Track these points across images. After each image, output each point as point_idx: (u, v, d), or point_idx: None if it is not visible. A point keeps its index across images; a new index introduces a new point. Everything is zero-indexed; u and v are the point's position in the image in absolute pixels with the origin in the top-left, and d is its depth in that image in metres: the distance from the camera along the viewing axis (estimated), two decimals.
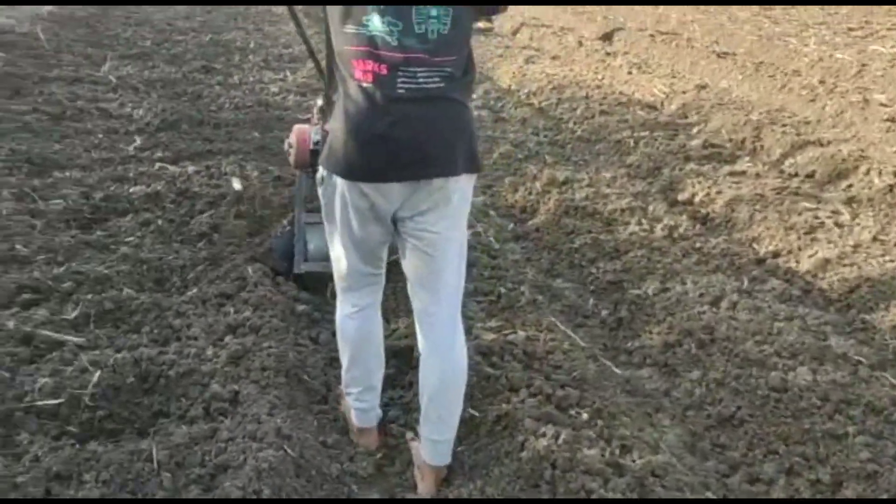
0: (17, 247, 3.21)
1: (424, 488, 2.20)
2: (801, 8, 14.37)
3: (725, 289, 3.13)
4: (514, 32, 9.98)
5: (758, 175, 4.61)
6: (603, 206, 4.02)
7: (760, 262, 3.62)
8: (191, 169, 4.19)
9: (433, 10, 1.78)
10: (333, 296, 2.35)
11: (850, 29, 11.72)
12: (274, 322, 2.69)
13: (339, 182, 1.95)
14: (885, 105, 6.46)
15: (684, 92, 6.73)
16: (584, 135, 5.52)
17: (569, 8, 12.19)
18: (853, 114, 6.29)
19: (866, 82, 7.56)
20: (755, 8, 14.04)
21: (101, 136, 4.78)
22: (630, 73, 7.52)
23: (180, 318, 2.74)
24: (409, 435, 2.40)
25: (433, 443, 2.16)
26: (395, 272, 2.37)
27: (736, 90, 7.10)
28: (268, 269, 3.13)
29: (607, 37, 9.72)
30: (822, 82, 7.34)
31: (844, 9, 14.07)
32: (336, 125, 1.94)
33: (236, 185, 3.93)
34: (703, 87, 6.91)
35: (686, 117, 6.25)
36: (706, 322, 2.92)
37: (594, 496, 1.97)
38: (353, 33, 1.81)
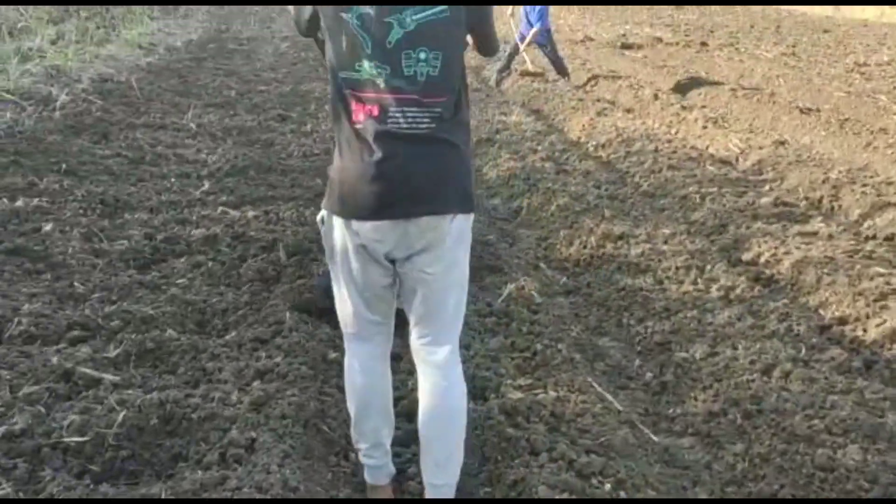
0: (76, 284, 3.35)
1: None
2: None
3: (779, 356, 2.96)
4: (586, 85, 9.94)
5: (830, 236, 4.38)
6: (657, 263, 3.90)
7: (824, 328, 3.41)
8: (250, 213, 4.31)
9: (422, 54, 1.87)
10: None
11: None
12: (303, 369, 2.69)
13: (337, 222, 2.00)
14: None
15: (761, 148, 6.52)
16: (649, 189, 5.40)
17: (648, 61, 12.10)
18: None
19: None
20: (849, 63, 13.63)
21: (173, 179, 4.98)
22: (705, 127, 7.35)
23: (213, 360, 2.78)
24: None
25: (433, 487, 2.14)
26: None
27: (817, 147, 6.84)
28: (306, 314, 3.16)
29: (683, 89, 9.56)
30: None
31: None
32: (334, 166, 2.01)
33: (292, 230, 4.01)
34: (782, 143, 6.68)
35: (761, 174, 6.05)
36: (754, 391, 2.76)
37: None
38: (347, 78, 1.90)
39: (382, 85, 1.87)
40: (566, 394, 2.64)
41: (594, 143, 6.65)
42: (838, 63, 13.70)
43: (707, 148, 6.76)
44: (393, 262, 2.01)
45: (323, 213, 2.05)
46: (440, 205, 1.94)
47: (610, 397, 2.77)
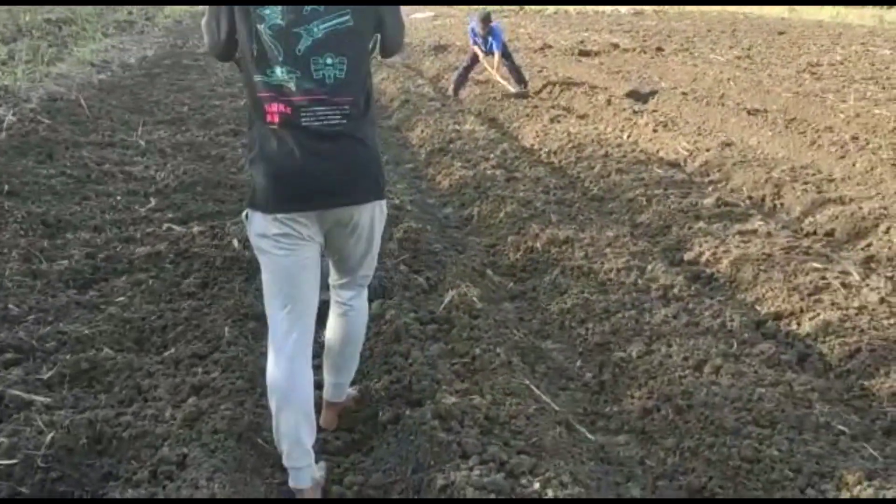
0: (10, 306, 3.31)
1: (325, 420, 2.65)
2: (849, 63, 14.18)
3: (711, 352, 3.01)
4: (542, 91, 10.01)
5: (769, 234, 4.47)
6: (600, 265, 3.95)
7: (759, 324, 3.48)
8: (196, 229, 4.29)
9: (329, 59, 2.09)
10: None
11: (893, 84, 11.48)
12: (238, 383, 2.69)
13: (259, 217, 2.17)
14: None
15: (708, 150, 6.64)
16: (598, 193, 5.48)
17: (604, 67, 12.25)
18: (883, 171, 6.11)
19: None
20: (801, 64, 13.91)
21: (119, 197, 4.94)
22: (655, 131, 7.46)
23: (149, 378, 2.77)
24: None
25: (333, 385, 2.62)
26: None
27: (763, 147, 6.98)
28: (248, 328, 3.16)
29: (636, 94, 9.69)
30: (854, 139, 7.17)
31: (894, 66, 13.82)
32: (253, 167, 2.17)
33: (236, 244, 4.00)
34: (729, 144, 6.80)
35: (707, 175, 6.16)
36: (686, 387, 2.81)
37: None
38: (261, 81, 2.09)
39: (294, 88, 2.07)
40: (501, 397, 2.66)
41: (546, 149, 6.73)
42: (791, 64, 13.98)
43: (657, 151, 6.86)
44: (317, 245, 2.24)
45: (245, 211, 2.22)
46: (354, 196, 2.19)
47: (547, 398, 2.80)
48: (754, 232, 4.52)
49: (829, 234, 4.80)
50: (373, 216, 2.27)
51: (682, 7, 35.78)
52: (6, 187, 4.88)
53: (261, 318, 3.31)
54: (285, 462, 2.29)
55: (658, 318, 3.37)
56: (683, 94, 9.49)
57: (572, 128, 7.42)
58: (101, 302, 3.44)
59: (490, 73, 9.96)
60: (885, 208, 4.92)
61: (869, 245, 4.52)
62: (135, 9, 18.88)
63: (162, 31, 16.07)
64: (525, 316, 3.71)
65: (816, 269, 3.89)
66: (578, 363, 3.26)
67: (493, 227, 4.79)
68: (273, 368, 2.24)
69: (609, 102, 8.80)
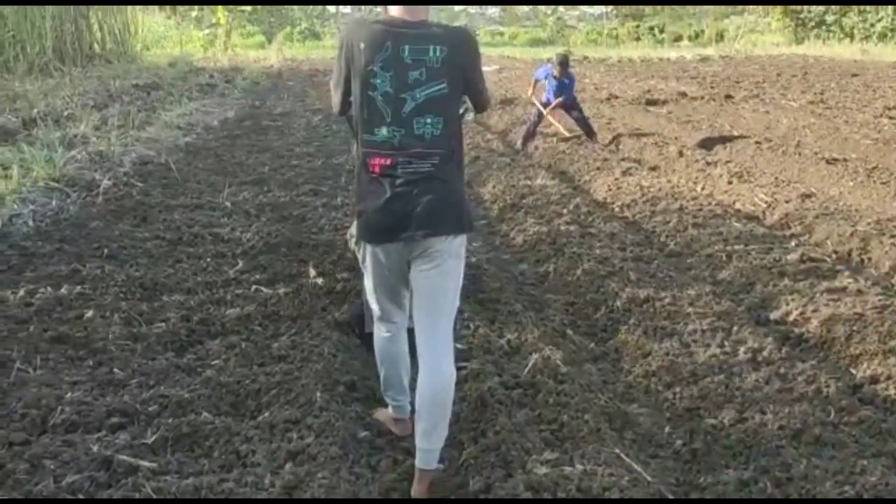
0: (115, 371, 3.48)
1: (417, 489, 2.72)
2: None
3: (808, 420, 2.94)
4: (612, 143, 10.04)
5: (859, 292, 4.36)
6: (683, 326, 3.91)
7: (856, 388, 3.38)
8: (281, 291, 4.43)
9: (428, 119, 2.55)
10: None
11: None
12: (332, 450, 2.75)
13: (365, 247, 2.81)
14: None
15: (787, 201, 6.53)
16: (675, 249, 5.43)
17: (673, 117, 12.22)
18: None
19: None
20: (878, 108, 13.56)
21: (209, 259, 5.14)
22: (730, 182, 7.39)
23: (247, 443, 2.86)
24: None
25: (424, 451, 2.69)
26: None
27: (845, 198, 6.82)
28: (338, 392, 3.25)
29: (708, 144, 9.62)
30: None
31: None
32: (358, 206, 2.71)
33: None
34: (809, 195, 6.68)
35: (788, 228, 6.05)
36: (784, 458, 2.74)
37: None
38: (367, 139, 2.58)
39: (397, 143, 2.54)
40: (593, 467, 2.65)
41: (619, 203, 6.72)
42: (867, 108, 13.65)
43: (733, 203, 6.78)
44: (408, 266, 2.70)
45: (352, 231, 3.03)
46: (436, 228, 2.59)
47: (639, 468, 2.78)
48: (843, 290, 4.41)
49: None
50: (454, 249, 2.66)
51: (749, 51, 35.42)
52: (105, 251, 5.15)
53: (352, 386, 3.42)
54: (390, 401, 3.09)
55: (749, 382, 3.31)
56: (757, 143, 9.39)
57: (644, 181, 7.41)
58: (197, 365, 3.58)
59: (552, 123, 10.08)
60: None
61: None
62: (216, 73, 19.82)
63: (241, 92, 16.74)
64: (608, 378, 3.69)
65: None
66: (667, 429, 3.22)
67: (570, 284, 4.80)
68: (377, 337, 2.98)
69: (681, 154, 8.76)
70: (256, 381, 3.34)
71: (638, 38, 54.84)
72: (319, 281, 4.41)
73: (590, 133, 9.97)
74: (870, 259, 5.23)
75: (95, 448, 2.80)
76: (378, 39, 2.53)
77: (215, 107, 13.95)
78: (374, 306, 2.92)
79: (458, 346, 3.72)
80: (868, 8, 51.42)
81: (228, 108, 13.71)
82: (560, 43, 54.33)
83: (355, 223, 2.85)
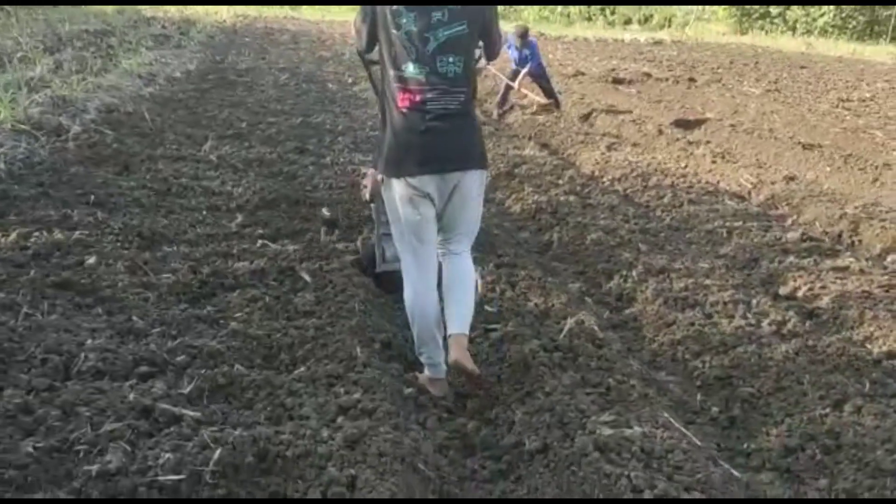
0: (134, 318, 3.31)
1: (455, 354, 2.87)
2: (879, 100, 14.22)
3: (848, 391, 3.00)
4: (588, 119, 10.04)
5: (862, 271, 4.47)
6: (704, 297, 3.94)
7: (877, 363, 3.46)
8: (291, 247, 4.29)
9: (451, 58, 2.72)
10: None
11: None
12: (385, 406, 2.67)
13: (394, 182, 2.84)
14: None
15: (773, 183, 6.65)
16: (674, 223, 5.48)
17: (644, 96, 12.32)
18: None
19: None
20: (832, 99, 13.94)
21: (204, 212, 4.95)
22: (714, 162, 7.49)
23: (292, 396, 2.75)
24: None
25: (456, 315, 2.93)
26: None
27: (826, 182, 6.97)
28: (375, 349, 3.17)
29: (684, 125, 9.73)
30: None
31: None
32: (386, 141, 2.83)
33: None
34: (792, 178, 6.81)
35: (776, 209, 6.16)
36: (829, 426, 2.79)
37: None
38: (395, 75, 2.74)
39: (423, 79, 2.72)
40: (651, 429, 2.64)
41: (609, 177, 6.74)
42: (821, 99, 14.01)
43: (718, 183, 6.87)
44: (433, 203, 2.85)
45: (380, 177, 2.91)
46: (466, 163, 2.84)
47: (689, 433, 2.78)
48: (846, 269, 4.52)
49: None
50: (478, 182, 2.91)
51: (700, 38, 36.05)
52: (92, 198, 4.90)
53: (388, 344, 3.34)
54: (425, 360, 3.03)
55: (779, 353, 3.35)
56: (732, 126, 9.54)
57: (630, 156, 7.46)
58: (219, 317, 3.43)
59: (526, 94, 10.15)
60: None
61: None
62: (168, 23, 19.11)
63: (198, 45, 16.15)
64: (632, 346, 3.69)
65: None
66: (699, 397, 3.24)
67: (578, 253, 4.79)
68: (409, 296, 2.99)
69: (660, 132, 8.84)
70: (287, 334, 3.23)
71: (589, 18, 55.44)
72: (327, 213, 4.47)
73: (557, 103, 10.09)
74: (860, 241, 5.36)
75: (131, 396, 2.66)
76: None
77: (173, 58, 13.43)
78: (405, 260, 2.99)
79: (489, 308, 3.68)
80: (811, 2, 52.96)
81: (187, 61, 13.21)
82: (513, 18, 54.49)
83: (381, 163, 2.90)
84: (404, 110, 2.76)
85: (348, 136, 7.66)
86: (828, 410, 2.90)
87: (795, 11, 54.87)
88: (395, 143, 2.80)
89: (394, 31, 2.72)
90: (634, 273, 4.30)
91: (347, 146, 7.21)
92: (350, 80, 12.30)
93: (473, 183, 2.89)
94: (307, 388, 2.81)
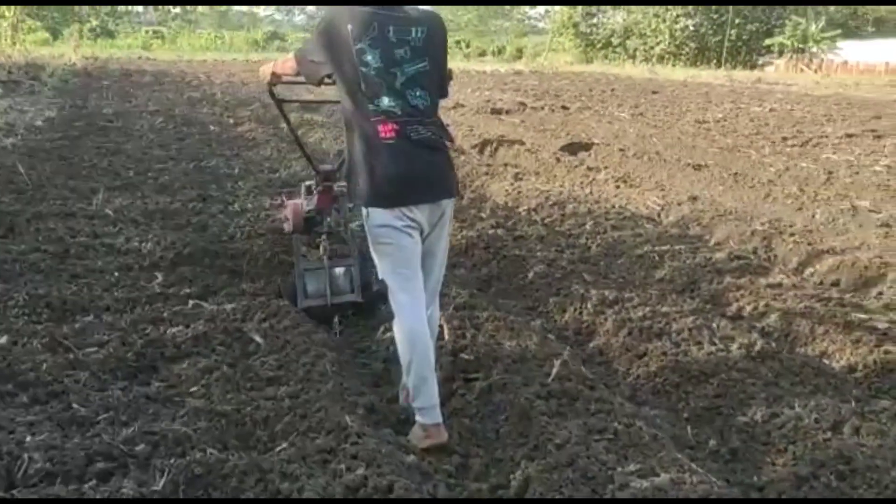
0: (74, 405, 2.88)
1: (435, 441, 2.86)
2: (731, 119, 15.15)
3: (842, 412, 3.02)
4: (482, 150, 10.06)
5: (795, 286, 4.62)
6: (667, 325, 3.92)
7: (857, 382, 3.51)
8: (228, 306, 3.93)
9: (418, 91, 2.80)
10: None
11: (785, 138, 12.40)
12: (401, 481, 2.42)
13: (380, 212, 2.80)
14: (873, 211, 6.71)
15: (679, 204, 6.86)
16: (605, 251, 5.48)
17: (528, 125, 12.55)
18: (845, 221, 6.50)
19: (839, 189, 7.89)
20: (690, 121, 14.69)
21: (116, 273, 4.49)
22: (618, 186, 7.66)
23: (287, 480, 2.44)
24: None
25: (431, 408, 2.88)
26: None
27: (725, 201, 7.25)
28: (359, 415, 2.90)
29: (573, 150, 9.94)
30: (801, 191, 7.62)
31: (772, 121, 14.93)
32: (369, 173, 2.77)
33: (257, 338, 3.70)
34: (695, 198, 7.06)
35: (688, 229, 6.33)
36: (836, 450, 2.78)
37: None
38: (372, 109, 2.76)
39: (399, 111, 2.77)
40: (677, 475, 2.52)
41: (525, 207, 6.71)
42: (680, 121, 14.78)
43: (627, 206, 7.00)
44: (420, 232, 2.87)
45: (365, 211, 2.83)
46: (448, 191, 2.92)
47: (703, 471, 2.69)
48: (780, 285, 4.65)
49: (836, 284, 5.01)
50: (450, 209, 2.96)
51: (555, 67, 37.63)
52: None
53: (372, 408, 3.08)
54: (416, 404, 2.87)
55: (762, 377, 3.35)
56: (620, 150, 9.83)
57: (538, 185, 7.49)
58: (172, 394, 3.05)
59: None
60: (880, 257, 5.21)
61: (880, 294, 4.76)
62: (14, 69, 17.78)
63: (52, 90, 15.12)
64: (608, 382, 3.60)
65: (864, 320, 4.03)
66: (690, 430, 3.17)
67: (524, 288, 4.68)
68: (405, 332, 2.88)
69: (558, 160, 8.98)
70: (260, 407, 2.90)
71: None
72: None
73: (450, 137, 9.99)
74: (776, 256, 5.58)
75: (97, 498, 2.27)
76: (366, 21, 2.76)
77: (29, 105, 12.48)
78: (395, 292, 2.89)
79: (465, 355, 3.49)
80: (648, 32, 56.76)
81: (45, 108, 12.33)
82: None
83: (367, 197, 2.81)
84: (389, 141, 2.76)
85: (249, 181, 7.26)
86: (829, 434, 2.89)
87: (634, 41, 58.69)
88: (384, 175, 2.77)
89: (362, 69, 2.77)
90: (589, 305, 4.23)
91: (251, 191, 6.82)
92: (231, 121, 11.80)
93: (449, 211, 2.97)
94: (301, 469, 2.50)
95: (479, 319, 3.86)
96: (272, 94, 3.69)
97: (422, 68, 2.83)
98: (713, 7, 57.47)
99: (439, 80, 2.93)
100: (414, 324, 2.87)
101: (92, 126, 10.38)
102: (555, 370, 3.24)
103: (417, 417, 2.90)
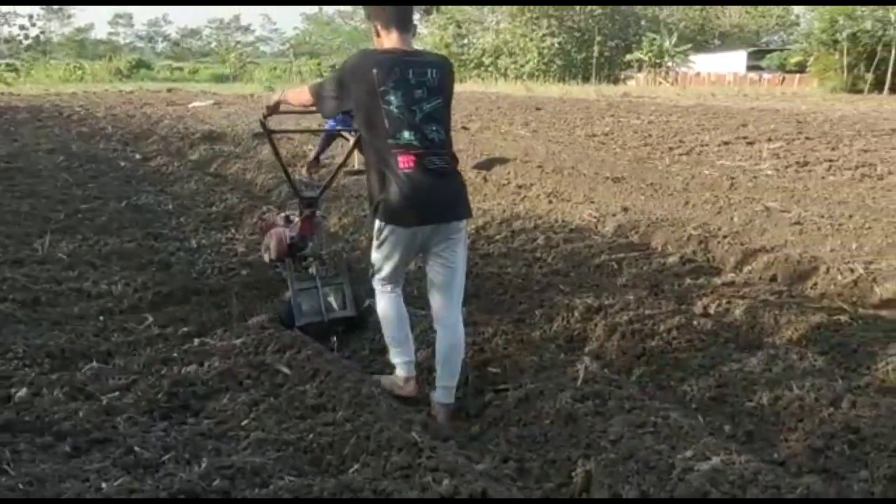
0: (137, 448, 2.86)
1: (442, 419, 3.40)
2: (617, 133, 16.03)
3: (836, 390, 3.41)
4: None
5: (747, 283, 5.08)
6: (654, 326, 4.24)
7: (826, 361, 3.92)
8: (237, 342, 3.95)
9: (434, 126, 3.20)
10: None
11: (671, 148, 13.29)
12: (493, 485, 2.58)
13: (393, 229, 3.25)
14: (784, 211, 7.38)
15: (613, 215, 7.30)
16: (563, 263, 5.78)
17: None
18: (761, 222, 7.12)
19: (744, 192, 8.60)
20: (582, 135, 15.46)
21: (101, 318, 4.39)
22: (550, 202, 8.05)
23: (381, 496, 2.55)
24: (428, 389, 3.59)
25: (445, 388, 3.44)
26: None
27: (653, 210, 7.76)
28: (422, 430, 3.04)
29: (487, 166, 10.30)
30: (715, 196, 8.26)
31: (654, 132, 15.91)
32: (387, 197, 3.19)
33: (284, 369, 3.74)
34: (626, 209, 7.53)
35: (627, 237, 6.76)
36: (843, 422, 3.15)
37: None
38: (393, 143, 3.16)
39: (418, 144, 3.16)
40: (726, 457, 2.81)
41: (473, 225, 6.96)
42: (573, 135, 15.54)
43: (562, 219, 7.38)
44: (422, 250, 3.35)
45: (379, 224, 3.29)
46: (458, 213, 3.33)
47: (744, 456, 2.98)
48: (733, 284, 5.11)
49: (773, 279, 5.54)
50: (463, 230, 3.42)
51: None
52: None
53: (426, 424, 3.21)
54: (397, 360, 3.53)
55: (754, 366, 3.71)
56: (539, 166, 10.27)
57: (477, 204, 7.76)
58: (225, 429, 3.08)
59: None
60: (807, 251, 5.80)
61: (815, 285, 5.31)
62: None
63: None
64: (622, 384, 3.86)
65: (818, 308, 4.52)
66: (702, 418, 3.48)
67: (504, 303, 4.91)
68: (384, 305, 3.52)
69: (485, 179, 9.30)
70: (321, 433, 2.98)
71: (321, 75, 56.81)
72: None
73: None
74: (714, 258, 6.08)
75: None
76: (389, 65, 3.17)
77: None
78: (386, 277, 3.45)
79: (492, 369, 3.68)
80: (518, 51, 58.96)
81: None
82: (244, 79, 54.09)
83: (384, 215, 3.25)
84: (408, 171, 3.16)
85: (190, 216, 7.16)
86: (831, 410, 3.27)
87: (505, 60, 60.68)
88: (401, 199, 3.16)
89: (385, 107, 3.16)
90: (576, 313, 4.51)
91: (198, 226, 6.74)
92: (138, 156, 11.47)
93: (461, 232, 3.41)
94: (390, 485, 2.62)
95: (486, 334, 4.05)
96: (263, 124, 4.03)
97: (437, 105, 3.23)
98: (577, 26, 60.48)
99: (449, 115, 3.36)
100: (392, 302, 3.51)
101: None
102: (581, 374, 3.49)
103: (398, 371, 3.56)
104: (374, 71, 3.16)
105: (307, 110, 3.64)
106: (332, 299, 4.29)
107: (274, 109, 3.89)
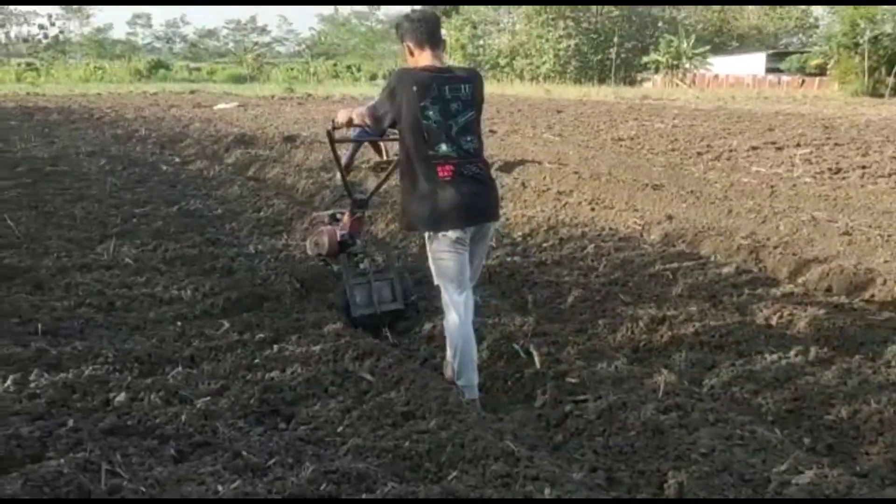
0: (244, 453, 2.96)
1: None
2: (642, 137, 16.04)
3: None
4: None
5: (805, 294, 5.14)
6: (721, 338, 4.30)
7: None
8: (315, 349, 4.05)
9: (468, 137, 3.54)
10: None
11: (700, 153, 13.31)
12: (595, 493, 2.66)
13: (441, 234, 3.56)
14: (830, 221, 7.41)
15: (658, 223, 7.35)
16: (614, 272, 5.84)
17: None
18: (808, 231, 7.15)
19: (787, 201, 8.63)
20: (608, 139, 15.46)
21: (179, 323, 4.50)
22: (593, 209, 8.11)
23: None
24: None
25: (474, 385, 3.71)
26: None
27: (698, 218, 7.80)
28: (515, 440, 3.12)
29: (508, 169, 10.40)
30: (758, 205, 8.29)
31: (680, 136, 15.89)
32: (433, 207, 3.51)
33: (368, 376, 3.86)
34: (671, 217, 7.58)
35: (675, 246, 6.81)
36: None
37: None
38: (432, 154, 3.49)
39: (454, 155, 3.51)
40: (818, 472, 2.88)
41: (520, 234, 7.04)
42: (600, 139, 15.55)
43: (607, 227, 7.43)
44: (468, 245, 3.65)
45: (429, 233, 3.62)
46: (494, 215, 3.73)
47: (836, 470, 3.05)
48: (792, 294, 5.17)
49: (828, 290, 5.58)
50: (494, 227, 3.88)
51: None
52: (40, 327, 4.27)
53: (517, 434, 3.29)
54: (461, 382, 3.66)
55: (829, 379, 3.77)
56: (575, 172, 10.34)
57: (519, 210, 7.85)
58: (322, 435, 3.18)
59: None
60: (861, 262, 5.85)
61: (873, 297, 5.35)
62: None
63: None
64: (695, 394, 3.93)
65: (877, 321, 4.57)
66: (779, 431, 3.54)
67: (565, 312, 4.99)
68: (455, 324, 3.65)
69: (524, 185, 9.38)
70: (417, 440, 3.07)
71: (336, 76, 57.20)
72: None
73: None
74: (766, 267, 6.13)
75: None
76: (427, 83, 3.49)
77: None
78: (452, 293, 3.65)
79: (570, 379, 3.76)
80: (533, 52, 58.92)
81: None
82: (261, 80, 54.47)
83: (428, 223, 3.58)
84: (447, 178, 3.49)
85: (241, 222, 7.29)
86: None
87: (521, 61, 60.64)
88: (442, 206, 3.49)
89: (423, 122, 3.48)
90: (641, 324, 4.58)
91: (253, 231, 6.86)
92: (177, 160, 11.63)
93: (492, 230, 3.84)
94: (497, 494, 2.70)
95: (558, 344, 4.13)
96: (330, 135, 4.30)
97: (470, 117, 3.58)
98: (594, 28, 60.39)
99: (480, 125, 3.67)
100: (462, 322, 3.64)
101: (36, 171, 9.99)
102: (661, 386, 3.56)
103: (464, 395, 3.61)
104: (414, 88, 3.48)
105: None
106: (384, 292, 4.65)
107: (346, 124, 4.04)
